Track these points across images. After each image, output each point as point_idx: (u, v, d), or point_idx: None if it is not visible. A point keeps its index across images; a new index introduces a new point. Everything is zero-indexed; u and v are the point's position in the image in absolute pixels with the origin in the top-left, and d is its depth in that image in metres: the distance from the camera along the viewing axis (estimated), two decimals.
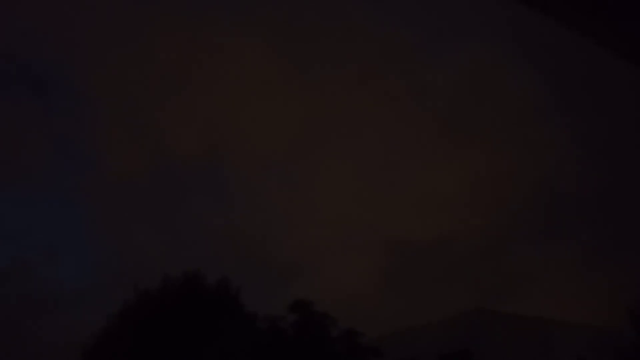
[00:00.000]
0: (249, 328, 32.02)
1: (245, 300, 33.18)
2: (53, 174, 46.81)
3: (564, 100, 46.41)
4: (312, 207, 48.12)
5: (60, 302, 43.81)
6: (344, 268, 46.57)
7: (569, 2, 2.80)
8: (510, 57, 46.46)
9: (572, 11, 2.80)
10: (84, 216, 49.02)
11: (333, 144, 48.96)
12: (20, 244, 45.99)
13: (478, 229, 47.37)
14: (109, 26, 45.14)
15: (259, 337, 31.83)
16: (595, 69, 35.93)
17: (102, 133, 47.09)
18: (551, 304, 42.21)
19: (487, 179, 47.46)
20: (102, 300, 39.33)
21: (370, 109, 48.09)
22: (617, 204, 43.99)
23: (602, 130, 45.49)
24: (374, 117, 48.03)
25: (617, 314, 34.77)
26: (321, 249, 47.13)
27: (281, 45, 47.19)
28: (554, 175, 47.17)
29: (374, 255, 49.12)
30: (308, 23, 47.53)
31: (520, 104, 49.09)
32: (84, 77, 46.21)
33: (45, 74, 47.28)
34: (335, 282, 44.68)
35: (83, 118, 46.40)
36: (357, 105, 47.93)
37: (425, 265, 47.39)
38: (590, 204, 46.46)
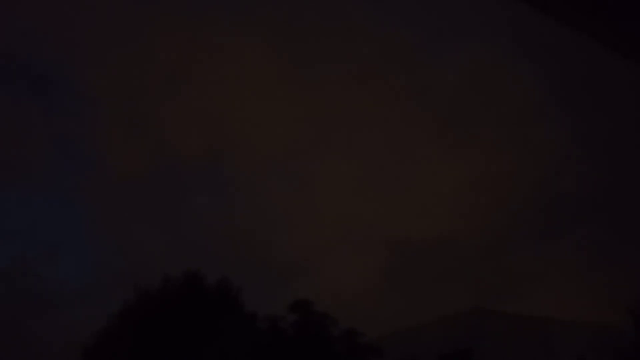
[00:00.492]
0: (249, 328, 32.05)
1: (246, 300, 33.25)
2: (53, 173, 46.81)
3: (564, 100, 46.48)
4: (312, 207, 48.16)
5: (60, 301, 43.85)
6: (344, 268, 46.59)
7: (569, 2, 2.81)
8: (511, 57, 46.53)
9: (573, 11, 2.81)
10: (85, 216, 48.99)
11: (333, 143, 49.01)
12: (20, 243, 45.97)
13: (478, 229, 47.40)
14: (109, 26, 45.17)
15: (259, 337, 31.86)
16: (595, 69, 35.99)
17: (102, 133, 47.13)
18: (551, 303, 42.25)
19: (487, 179, 47.48)
20: (102, 299, 39.35)
21: (370, 109, 48.12)
22: (617, 204, 44.05)
23: (602, 130, 45.54)
24: (374, 116, 48.06)
25: (617, 313, 34.83)
26: (321, 248, 47.18)
27: (281, 45, 47.25)
28: (554, 175, 47.19)
29: (374, 255, 49.15)
30: (308, 23, 47.59)
31: (520, 104, 49.16)
32: (85, 77, 46.24)
33: (46, 74, 47.27)
34: (336, 282, 44.72)
35: (83, 118, 46.40)
36: (357, 105, 47.96)
37: (425, 265, 47.40)
38: (590, 204, 46.52)
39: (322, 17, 47.23)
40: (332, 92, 46.85)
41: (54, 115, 46.70)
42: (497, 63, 47.41)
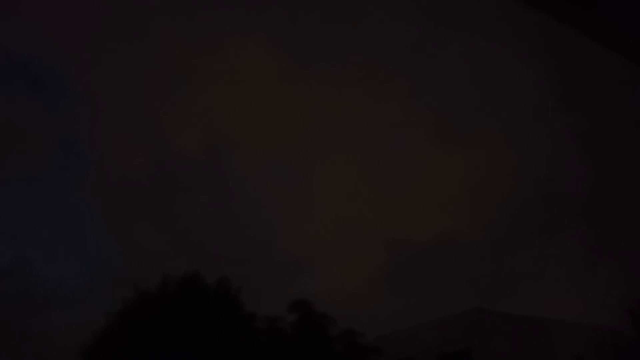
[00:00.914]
0: (248, 328, 32.04)
1: (245, 300, 33.23)
2: (53, 172, 46.72)
3: (564, 99, 46.42)
4: (312, 207, 48.10)
5: (60, 300, 43.78)
6: (343, 267, 46.54)
7: (570, 1, 2.79)
8: (511, 56, 46.45)
9: (573, 9, 2.79)
10: (84, 215, 48.93)
11: (333, 142, 48.94)
12: (20, 242, 45.91)
13: (478, 229, 47.40)
14: (109, 25, 45.12)
15: (258, 337, 31.85)
16: (595, 68, 35.91)
17: (102, 131, 47.05)
18: (551, 303, 42.22)
19: (487, 179, 47.42)
20: (102, 298, 39.22)
21: (370, 108, 48.07)
22: (617, 203, 44.03)
23: (602, 129, 45.50)
24: (374, 115, 48.02)
25: (617, 312, 34.84)
26: (321, 248, 47.11)
27: (281, 43, 47.19)
28: (554, 175, 47.17)
29: (373, 255, 49.13)
30: (308, 22, 47.54)
31: (521, 103, 49.09)
32: (84, 75, 46.13)
33: (45, 72, 47.18)
34: (335, 281, 44.66)
35: (83, 116, 46.32)
36: (358, 104, 47.92)
37: (425, 265, 47.33)
38: (591, 203, 46.47)
39: (322, 16, 47.19)
40: (332, 91, 46.82)
41: (53, 113, 46.65)
42: (498, 62, 47.38)
